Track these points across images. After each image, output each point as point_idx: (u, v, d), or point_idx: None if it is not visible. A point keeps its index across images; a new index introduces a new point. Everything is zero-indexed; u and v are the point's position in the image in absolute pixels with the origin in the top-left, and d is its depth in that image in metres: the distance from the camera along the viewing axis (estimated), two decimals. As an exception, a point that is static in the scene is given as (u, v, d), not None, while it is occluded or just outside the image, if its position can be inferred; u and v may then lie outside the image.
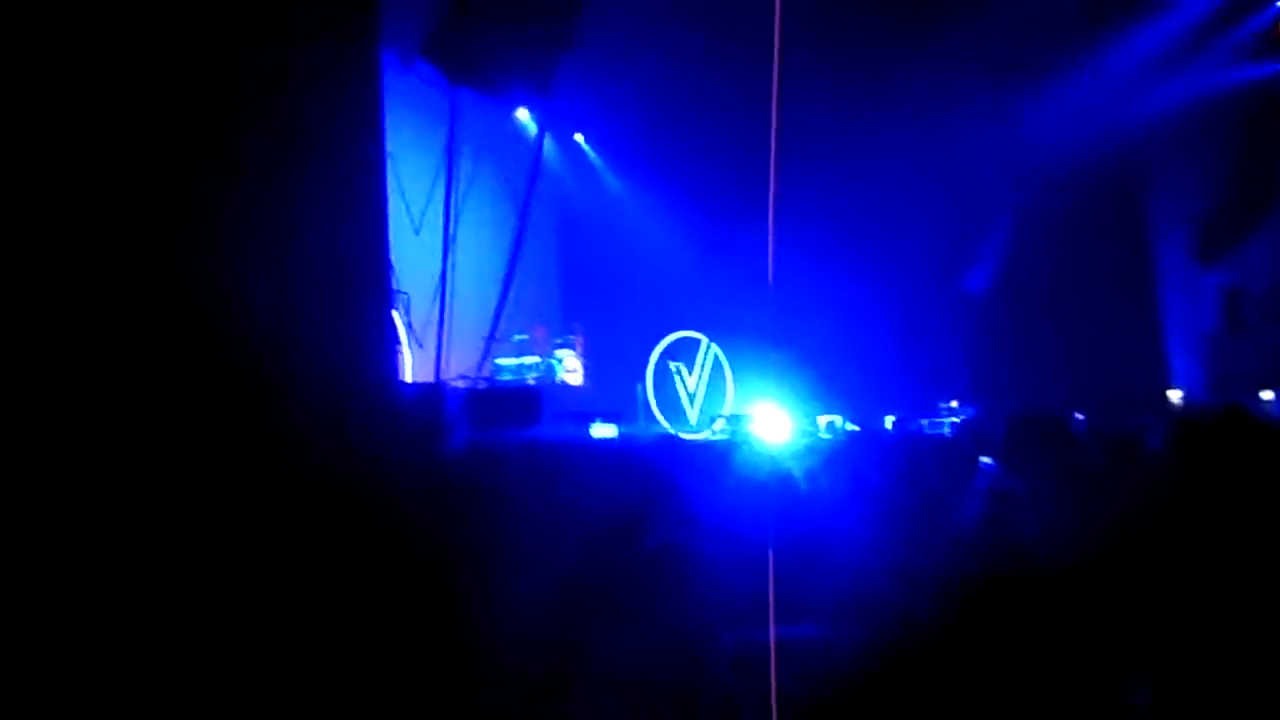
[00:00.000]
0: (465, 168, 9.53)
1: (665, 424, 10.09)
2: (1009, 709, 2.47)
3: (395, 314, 6.89)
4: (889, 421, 8.34)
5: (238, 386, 3.35)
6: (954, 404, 8.91)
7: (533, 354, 9.35)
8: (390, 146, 4.88)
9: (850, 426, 8.21)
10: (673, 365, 10.53)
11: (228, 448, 3.23)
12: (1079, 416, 4.38)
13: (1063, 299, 9.32)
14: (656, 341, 10.48)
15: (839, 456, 4.62)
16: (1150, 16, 8.89)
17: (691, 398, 10.56)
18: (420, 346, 8.24)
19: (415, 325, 8.17)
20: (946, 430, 7.74)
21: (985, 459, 3.49)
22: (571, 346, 9.63)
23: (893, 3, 8.73)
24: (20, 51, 3.05)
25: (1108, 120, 9.01)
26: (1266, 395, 7.97)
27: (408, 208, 8.62)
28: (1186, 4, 8.86)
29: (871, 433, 7.53)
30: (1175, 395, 9.14)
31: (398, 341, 7.51)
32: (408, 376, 7.65)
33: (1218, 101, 9.02)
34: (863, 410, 8.69)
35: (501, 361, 9.21)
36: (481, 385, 8.07)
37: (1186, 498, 2.70)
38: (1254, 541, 2.45)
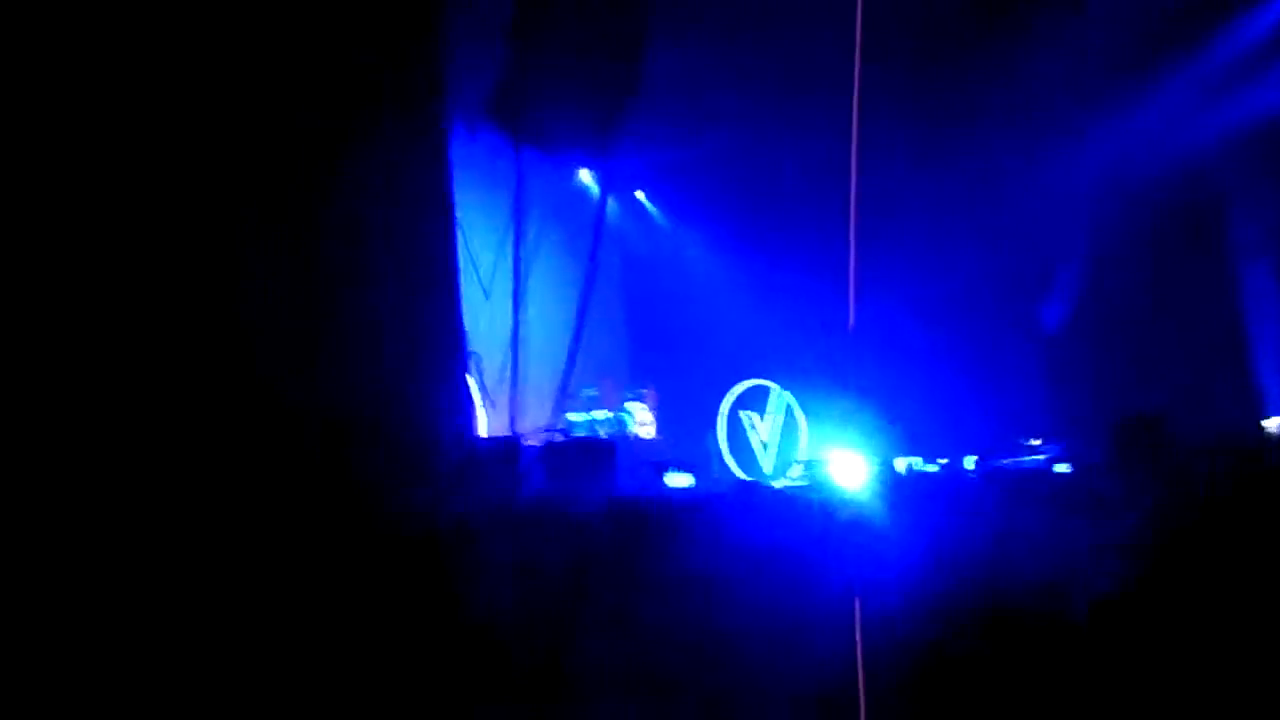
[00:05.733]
0: (532, 229, 9.72)
1: (740, 473, 10.02)
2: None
3: (469, 376, 7.01)
4: (969, 461, 8.17)
5: (322, 446, 3.46)
6: (1036, 441, 8.69)
7: (603, 408, 9.41)
8: (459, 213, 5.02)
9: (929, 467, 8.07)
10: (744, 414, 10.49)
11: (310, 500, 3.32)
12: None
13: (1143, 329, 9.07)
14: (726, 392, 10.46)
15: (918, 497, 4.56)
16: (1217, 35, 8.75)
17: (765, 446, 10.50)
18: (493, 405, 8.37)
19: (488, 385, 8.31)
20: (1032, 466, 7.56)
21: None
22: (642, 399, 9.66)
23: (967, 36, 8.71)
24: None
25: (1182, 143, 8.83)
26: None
27: (477, 271, 8.81)
28: (1251, 23, 8.71)
29: (952, 472, 7.40)
30: (1273, 423, 8.77)
31: (473, 402, 7.65)
32: (483, 433, 7.77)
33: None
34: (940, 451, 8.52)
35: (573, 417, 9.28)
36: (556, 439, 8.15)
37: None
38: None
